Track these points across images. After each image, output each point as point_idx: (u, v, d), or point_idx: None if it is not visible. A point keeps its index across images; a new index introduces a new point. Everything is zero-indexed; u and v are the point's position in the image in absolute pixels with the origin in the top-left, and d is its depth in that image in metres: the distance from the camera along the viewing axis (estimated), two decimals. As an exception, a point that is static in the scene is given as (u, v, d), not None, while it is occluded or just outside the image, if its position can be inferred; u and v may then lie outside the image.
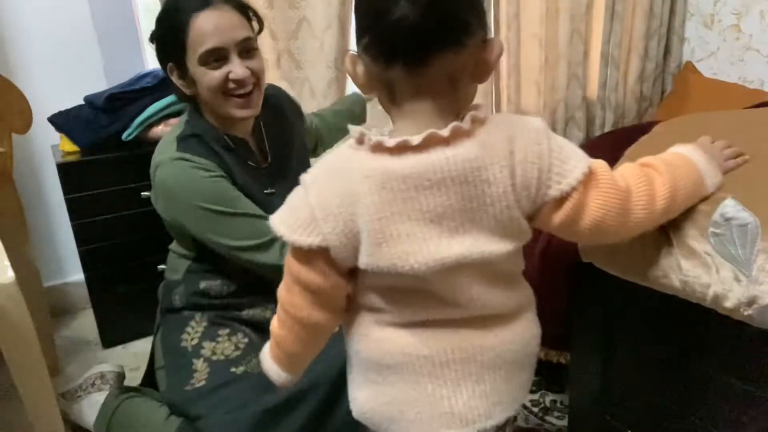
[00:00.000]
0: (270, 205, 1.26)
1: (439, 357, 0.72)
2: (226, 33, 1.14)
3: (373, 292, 0.74)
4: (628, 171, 0.74)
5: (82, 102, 1.74)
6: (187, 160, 1.18)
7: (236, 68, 1.15)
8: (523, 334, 0.76)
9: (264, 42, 1.76)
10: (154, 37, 1.21)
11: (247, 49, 1.18)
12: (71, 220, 1.66)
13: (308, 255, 0.71)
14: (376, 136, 0.67)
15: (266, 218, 1.12)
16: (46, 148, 1.84)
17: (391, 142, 0.65)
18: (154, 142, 1.70)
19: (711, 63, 2.71)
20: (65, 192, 1.64)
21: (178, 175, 1.18)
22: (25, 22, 1.79)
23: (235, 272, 1.30)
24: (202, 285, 1.30)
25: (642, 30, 2.65)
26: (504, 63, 2.43)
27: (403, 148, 0.65)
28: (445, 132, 0.64)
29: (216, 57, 1.14)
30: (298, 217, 0.70)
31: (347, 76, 2.04)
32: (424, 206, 0.66)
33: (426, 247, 0.67)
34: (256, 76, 1.20)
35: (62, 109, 1.73)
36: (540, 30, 2.46)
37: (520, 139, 0.66)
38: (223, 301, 1.31)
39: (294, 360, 0.82)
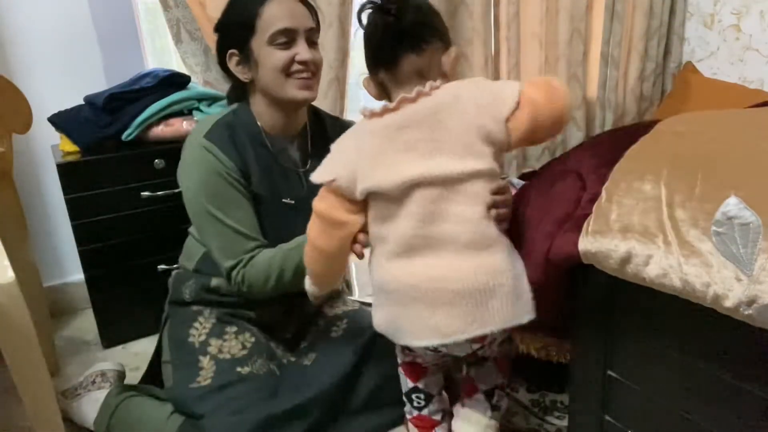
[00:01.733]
0: (283, 216, 1.28)
1: (421, 285, 0.94)
2: (298, 18, 1.22)
3: (377, 222, 0.98)
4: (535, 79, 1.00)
5: (82, 102, 1.74)
6: (210, 151, 1.22)
7: (303, 51, 1.22)
8: (492, 265, 0.93)
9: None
10: (220, 25, 1.26)
11: (312, 39, 1.25)
12: (71, 220, 1.66)
13: (325, 191, 1.01)
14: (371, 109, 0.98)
15: (247, 238, 1.23)
16: (46, 148, 1.84)
17: (377, 109, 0.97)
18: (154, 142, 1.72)
19: (711, 63, 2.71)
20: (65, 192, 1.64)
21: (196, 162, 1.23)
22: (25, 22, 1.79)
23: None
24: (214, 282, 1.31)
25: (642, 30, 2.66)
26: (504, 63, 2.43)
27: (384, 111, 0.97)
28: (411, 94, 0.94)
29: (286, 37, 1.21)
30: (323, 167, 1.01)
31: (347, 76, 2.05)
32: (401, 141, 0.94)
33: (402, 169, 0.93)
34: (317, 65, 1.26)
35: (62, 109, 1.73)
36: (540, 30, 2.46)
37: (463, 90, 0.95)
38: (232, 299, 1.31)
39: (318, 279, 1.08)
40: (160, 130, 1.71)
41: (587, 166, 1.06)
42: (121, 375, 1.47)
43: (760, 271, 0.75)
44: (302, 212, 1.23)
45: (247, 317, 1.34)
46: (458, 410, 1.18)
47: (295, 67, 1.22)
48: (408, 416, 1.17)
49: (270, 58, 1.21)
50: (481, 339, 0.99)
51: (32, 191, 1.90)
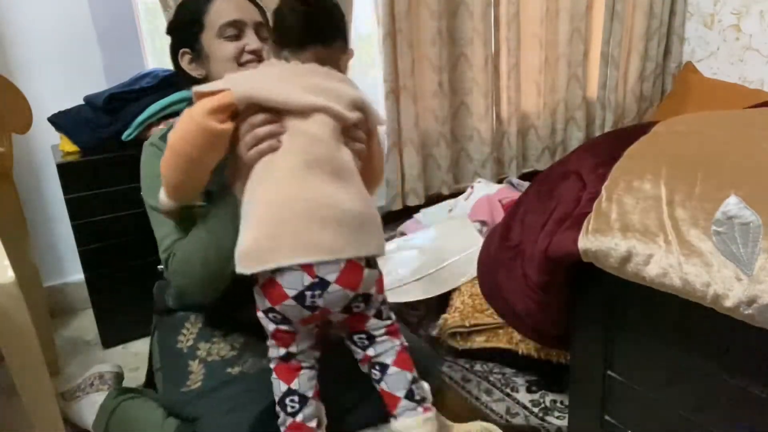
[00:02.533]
0: (235, 208, 1.26)
1: (313, 201, 0.96)
2: (245, 11, 1.24)
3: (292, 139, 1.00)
4: None
5: (82, 102, 1.74)
6: (158, 148, 1.23)
7: (252, 41, 1.23)
8: (366, 197, 1.01)
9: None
10: (171, 26, 1.27)
11: (262, 33, 1.25)
12: (71, 220, 1.66)
13: (205, 100, 0.99)
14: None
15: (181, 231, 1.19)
16: (46, 148, 1.84)
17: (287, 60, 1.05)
18: (154, 142, 1.71)
19: (711, 63, 2.71)
20: (65, 192, 1.64)
21: (145, 160, 1.26)
22: (25, 22, 1.79)
23: None
24: None
25: (642, 30, 2.66)
26: (504, 63, 2.43)
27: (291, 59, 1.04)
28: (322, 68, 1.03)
29: (235, 29, 1.22)
30: (213, 85, 1.01)
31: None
32: (305, 79, 1.01)
33: (307, 97, 0.98)
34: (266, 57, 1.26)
35: (62, 109, 1.73)
36: (540, 30, 2.46)
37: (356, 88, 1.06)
38: (216, 302, 1.31)
39: (176, 190, 1.07)
40: (160, 131, 1.71)
41: (587, 167, 1.06)
42: (119, 377, 1.47)
43: (760, 270, 0.75)
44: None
45: (234, 319, 1.33)
46: (393, 425, 1.13)
47: (246, 57, 1.23)
48: (282, 428, 1.10)
49: (220, 49, 1.22)
50: (353, 283, 0.99)
51: (32, 191, 1.90)
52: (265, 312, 1.03)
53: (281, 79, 1.02)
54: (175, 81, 1.75)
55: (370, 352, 1.09)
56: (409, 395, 1.09)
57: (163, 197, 1.08)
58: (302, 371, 1.09)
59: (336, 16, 1.09)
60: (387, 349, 1.09)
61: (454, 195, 2.29)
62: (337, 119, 1.00)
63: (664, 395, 0.98)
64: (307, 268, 0.95)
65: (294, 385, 1.09)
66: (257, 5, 1.28)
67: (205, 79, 1.27)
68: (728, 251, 0.79)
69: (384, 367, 1.10)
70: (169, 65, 1.36)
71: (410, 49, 2.17)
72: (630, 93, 2.77)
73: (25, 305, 0.91)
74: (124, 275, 1.75)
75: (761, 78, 2.53)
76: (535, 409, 1.40)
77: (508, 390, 1.48)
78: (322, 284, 0.97)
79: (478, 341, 1.54)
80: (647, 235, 0.88)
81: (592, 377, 1.09)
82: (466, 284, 1.65)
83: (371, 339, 1.08)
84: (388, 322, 1.09)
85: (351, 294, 1.00)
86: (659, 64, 2.81)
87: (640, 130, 1.10)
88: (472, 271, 1.55)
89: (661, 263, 0.85)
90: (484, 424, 1.32)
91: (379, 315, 1.07)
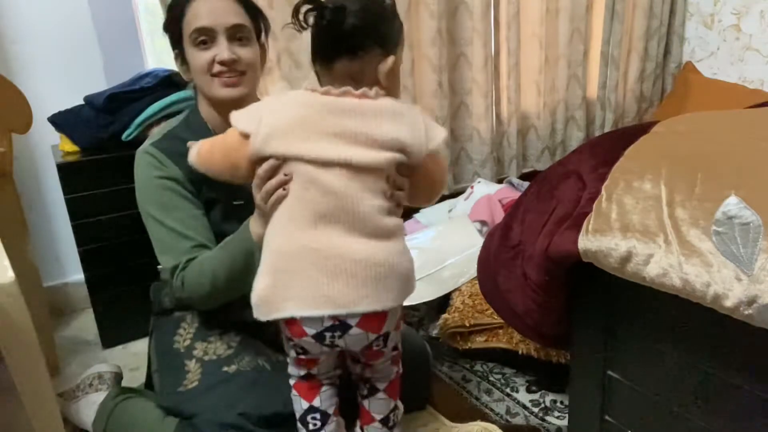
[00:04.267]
0: (233, 216, 1.25)
1: (323, 251, 0.94)
2: (218, 16, 1.17)
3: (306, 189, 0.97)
4: None
5: (82, 102, 1.74)
6: (153, 156, 1.22)
7: (223, 51, 1.18)
8: (391, 250, 0.97)
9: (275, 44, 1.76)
10: (164, 25, 1.25)
11: (239, 36, 1.20)
12: (71, 220, 1.66)
13: (238, 139, 0.99)
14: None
15: (185, 239, 1.21)
16: (46, 148, 1.84)
17: (321, 88, 0.98)
18: (154, 142, 1.71)
19: (711, 63, 2.71)
20: (65, 192, 1.64)
21: (139, 169, 1.25)
22: (25, 22, 1.79)
23: None
24: None
25: (642, 30, 2.66)
26: (504, 63, 2.43)
27: (327, 92, 0.96)
28: (356, 92, 0.95)
29: (204, 36, 1.17)
30: (247, 115, 1.00)
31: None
32: (333, 123, 0.94)
33: (327, 147, 0.94)
34: (245, 64, 1.21)
35: (62, 109, 1.73)
36: (540, 30, 2.46)
37: (404, 110, 0.98)
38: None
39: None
40: (157, 132, 1.71)
41: (587, 167, 1.06)
42: (118, 377, 1.47)
43: (760, 270, 0.75)
44: (251, 211, 1.22)
45: (230, 318, 1.33)
46: None
47: (216, 68, 1.19)
48: None
49: (194, 58, 1.20)
50: (374, 326, 0.97)
51: (32, 191, 1.90)
52: (286, 340, 1.04)
53: (304, 123, 0.95)
54: (175, 81, 1.75)
55: (367, 373, 1.09)
56: (385, 421, 1.12)
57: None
58: (323, 388, 1.09)
59: (367, 20, 0.97)
60: (383, 375, 1.10)
61: (454, 195, 2.29)
62: (360, 171, 0.94)
63: (664, 395, 0.98)
64: (367, 325, 0.97)
65: (315, 403, 1.09)
66: (248, 5, 1.23)
67: (191, 82, 1.26)
68: (728, 251, 0.79)
69: (374, 390, 1.11)
70: (169, 65, 1.36)
71: (410, 49, 2.17)
72: (630, 93, 2.77)
73: (25, 305, 0.91)
74: (124, 275, 1.75)
75: (761, 78, 2.53)
76: (535, 409, 1.40)
77: (508, 390, 1.48)
78: (343, 327, 0.97)
79: (478, 341, 1.54)
80: (647, 235, 0.88)
81: (592, 377, 1.09)
82: (466, 284, 1.65)
83: (369, 367, 1.08)
84: (395, 352, 1.09)
85: (373, 336, 0.99)
86: (659, 64, 2.81)
87: (640, 130, 1.10)
88: (472, 271, 1.55)
89: (661, 263, 0.85)
90: (484, 424, 1.33)
91: (392, 347, 1.07)
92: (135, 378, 1.58)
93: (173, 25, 1.21)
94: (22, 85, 1.58)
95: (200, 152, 1.06)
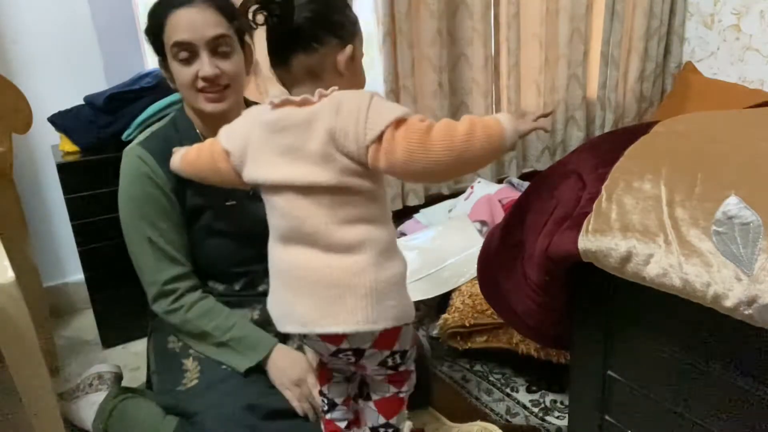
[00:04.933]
0: (227, 217, 1.27)
1: (290, 271, 0.96)
2: (198, 29, 1.14)
3: (266, 207, 0.99)
4: (438, 122, 0.92)
5: (82, 102, 1.74)
6: (144, 161, 1.20)
7: (205, 66, 1.15)
8: (351, 265, 0.92)
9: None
10: (147, 27, 1.21)
11: (221, 50, 1.17)
12: (71, 220, 1.66)
13: (222, 150, 1.01)
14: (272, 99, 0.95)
15: (171, 262, 1.24)
16: (46, 148, 1.84)
17: (276, 100, 0.93)
18: (154, 142, 1.71)
19: (711, 63, 2.71)
20: (65, 192, 1.64)
21: (130, 171, 1.22)
22: (25, 22, 1.79)
23: (216, 275, 1.30)
24: None
25: (642, 30, 2.66)
26: (504, 63, 2.43)
27: (275, 106, 0.93)
28: (297, 98, 0.91)
29: (186, 51, 1.15)
30: (229, 130, 1.02)
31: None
32: (276, 143, 0.93)
33: (271, 170, 0.94)
34: (229, 77, 1.19)
35: (62, 109, 1.73)
36: (540, 30, 2.46)
37: (344, 104, 0.90)
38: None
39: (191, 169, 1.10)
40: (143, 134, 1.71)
41: (587, 167, 1.06)
42: (118, 377, 1.47)
43: (760, 270, 0.75)
44: (245, 210, 1.26)
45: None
46: None
47: (200, 84, 1.17)
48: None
49: (177, 73, 1.17)
50: (334, 340, 0.97)
51: (32, 191, 1.90)
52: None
53: (256, 145, 0.96)
54: (175, 81, 1.75)
55: (367, 379, 1.10)
56: (373, 430, 1.12)
57: (177, 163, 1.11)
58: (334, 379, 1.13)
59: (317, 11, 0.93)
60: (377, 388, 1.09)
61: (454, 195, 2.29)
62: (305, 190, 0.92)
63: (664, 395, 0.98)
64: (326, 338, 0.97)
65: (324, 389, 1.14)
66: (223, 10, 1.18)
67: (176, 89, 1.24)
68: (728, 251, 0.79)
69: (368, 397, 1.11)
70: (169, 65, 1.35)
71: (410, 49, 2.17)
72: (630, 93, 2.77)
73: (25, 305, 0.91)
74: (124, 275, 1.74)
75: (761, 78, 2.53)
76: (535, 409, 1.40)
77: (508, 390, 1.48)
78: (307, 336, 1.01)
79: (478, 341, 1.54)
80: (647, 235, 0.88)
81: (592, 377, 1.09)
82: (466, 284, 1.65)
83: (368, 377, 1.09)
84: (391, 372, 1.06)
85: (332, 348, 0.99)
86: (659, 64, 2.81)
87: (640, 130, 1.10)
88: (472, 271, 1.54)
89: (661, 263, 0.85)
90: (484, 424, 1.33)
91: (383, 364, 1.03)
92: (135, 378, 1.58)
93: (154, 34, 1.18)
94: (22, 85, 1.58)
95: (186, 158, 1.07)
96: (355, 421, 1.16)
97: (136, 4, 1.92)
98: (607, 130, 2.68)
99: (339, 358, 1.03)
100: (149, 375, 1.38)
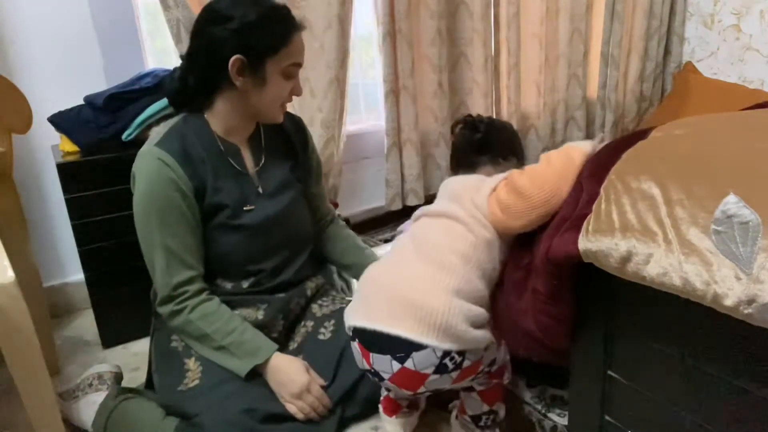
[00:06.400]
0: (243, 217, 1.29)
1: (376, 279, 1.11)
2: (304, 55, 1.29)
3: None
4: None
5: (82, 102, 1.74)
6: (165, 163, 1.21)
7: (298, 86, 1.30)
8: (431, 297, 1.00)
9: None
10: (245, 29, 1.19)
11: None
12: (71, 220, 1.66)
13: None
14: None
15: (184, 266, 1.26)
16: (46, 148, 1.84)
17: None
18: (154, 142, 1.71)
19: (711, 63, 2.71)
20: (65, 192, 1.64)
21: (149, 173, 1.23)
22: (25, 22, 1.79)
23: (226, 273, 1.31)
24: None
25: (642, 30, 2.66)
26: (504, 63, 2.43)
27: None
28: None
29: (294, 72, 1.28)
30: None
31: (347, 76, 2.05)
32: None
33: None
34: None
35: (62, 109, 1.73)
36: (540, 30, 2.46)
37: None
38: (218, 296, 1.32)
39: None
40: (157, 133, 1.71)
41: (585, 171, 1.06)
42: (118, 377, 1.47)
43: (759, 269, 0.75)
44: (260, 211, 1.30)
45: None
46: (453, 421, 1.25)
47: (289, 98, 1.30)
48: (381, 396, 1.25)
49: (280, 87, 1.26)
50: (410, 385, 1.04)
51: (32, 191, 1.90)
52: None
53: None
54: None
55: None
56: (475, 419, 1.20)
57: None
58: (400, 413, 1.23)
59: (504, 135, 1.27)
60: (481, 382, 1.18)
61: (454, 195, 2.29)
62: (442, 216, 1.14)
63: (664, 395, 0.98)
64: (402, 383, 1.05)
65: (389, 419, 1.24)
66: None
67: (242, 92, 1.25)
68: (728, 250, 0.79)
69: (470, 389, 1.19)
70: (169, 65, 1.35)
71: (410, 49, 2.17)
72: (630, 93, 2.77)
73: (25, 305, 0.91)
74: (124, 275, 1.75)
75: (761, 78, 2.53)
76: (538, 406, 1.40)
77: (508, 385, 1.48)
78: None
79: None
80: (647, 234, 0.88)
81: (592, 377, 1.09)
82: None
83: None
84: (488, 369, 1.14)
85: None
86: (659, 64, 2.81)
87: (637, 136, 1.10)
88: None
89: (661, 262, 0.85)
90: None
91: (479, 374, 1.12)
92: (135, 378, 1.58)
93: (270, 42, 1.21)
94: (22, 85, 1.58)
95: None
96: (415, 404, 1.25)
97: (136, 4, 1.93)
98: (607, 130, 2.69)
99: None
100: (150, 374, 1.38)
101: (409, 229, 1.19)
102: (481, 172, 1.21)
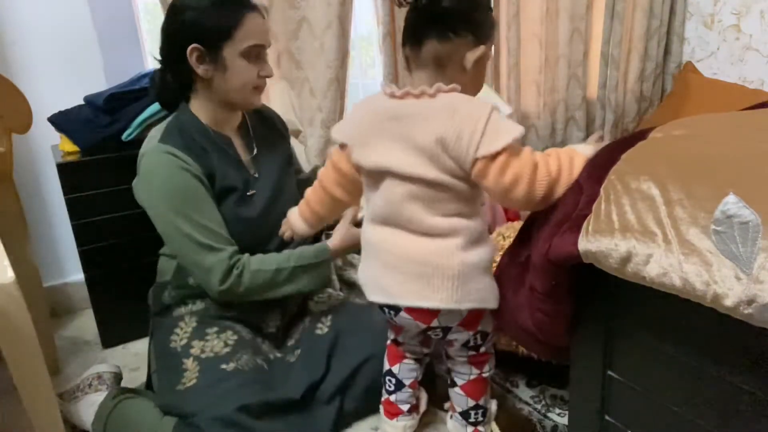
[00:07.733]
0: (248, 203, 1.32)
1: (379, 245, 1.05)
2: (266, 36, 1.28)
3: (365, 188, 1.08)
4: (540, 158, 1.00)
5: (82, 102, 1.74)
6: (174, 155, 1.23)
7: (267, 67, 1.30)
8: (439, 250, 0.99)
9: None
10: (191, 19, 1.22)
11: (264, 54, 1.32)
12: (71, 220, 1.66)
13: (339, 148, 1.09)
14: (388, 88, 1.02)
15: (224, 245, 1.27)
16: (46, 148, 1.84)
17: (389, 89, 1.01)
18: (154, 142, 1.71)
19: (711, 63, 2.71)
20: (65, 192, 1.64)
21: (162, 168, 1.23)
22: (25, 22, 1.79)
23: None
24: (192, 281, 1.33)
25: (642, 30, 2.65)
26: (504, 63, 2.43)
27: (392, 95, 1.00)
28: (416, 90, 0.97)
29: (257, 53, 1.27)
30: (340, 124, 1.11)
31: (347, 76, 2.05)
32: (389, 129, 0.99)
33: (379, 154, 1.00)
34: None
35: (62, 109, 1.73)
36: (540, 30, 2.46)
37: (460, 110, 0.94)
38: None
39: (314, 217, 1.20)
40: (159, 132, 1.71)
41: (584, 172, 1.06)
42: (117, 377, 1.47)
43: (759, 269, 0.75)
44: (262, 195, 1.34)
45: (228, 316, 1.34)
46: (448, 421, 1.28)
47: (260, 82, 1.29)
48: (382, 398, 1.26)
49: (242, 70, 1.26)
50: (425, 318, 1.05)
51: (32, 191, 1.90)
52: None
53: (372, 130, 1.02)
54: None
55: (450, 364, 1.21)
56: (465, 415, 1.21)
57: (298, 222, 1.23)
58: (405, 360, 1.22)
59: (464, 6, 0.99)
60: (461, 372, 1.19)
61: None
62: (404, 178, 0.98)
63: (664, 395, 0.98)
64: (419, 316, 1.07)
65: (394, 369, 1.23)
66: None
67: (198, 82, 1.27)
68: (728, 250, 0.79)
69: (453, 384, 1.21)
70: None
71: (410, 49, 2.17)
72: (630, 93, 2.76)
73: (25, 305, 0.91)
74: (124, 275, 1.75)
75: (761, 78, 2.53)
76: (538, 405, 1.40)
77: (508, 385, 1.48)
78: (395, 309, 1.08)
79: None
80: (647, 234, 0.88)
81: (592, 377, 1.09)
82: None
83: (450, 358, 1.20)
84: (473, 353, 1.17)
85: (422, 326, 1.08)
86: (659, 64, 2.80)
87: (636, 137, 1.10)
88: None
89: (661, 263, 0.85)
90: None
91: (466, 344, 1.15)
92: (135, 378, 1.58)
93: (219, 28, 1.22)
94: (22, 85, 1.58)
95: (304, 208, 1.21)
96: (415, 407, 1.26)
97: (136, 4, 1.93)
98: (607, 130, 2.68)
99: (413, 342, 1.15)
100: (150, 375, 1.38)
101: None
102: (427, 51, 1.00)
